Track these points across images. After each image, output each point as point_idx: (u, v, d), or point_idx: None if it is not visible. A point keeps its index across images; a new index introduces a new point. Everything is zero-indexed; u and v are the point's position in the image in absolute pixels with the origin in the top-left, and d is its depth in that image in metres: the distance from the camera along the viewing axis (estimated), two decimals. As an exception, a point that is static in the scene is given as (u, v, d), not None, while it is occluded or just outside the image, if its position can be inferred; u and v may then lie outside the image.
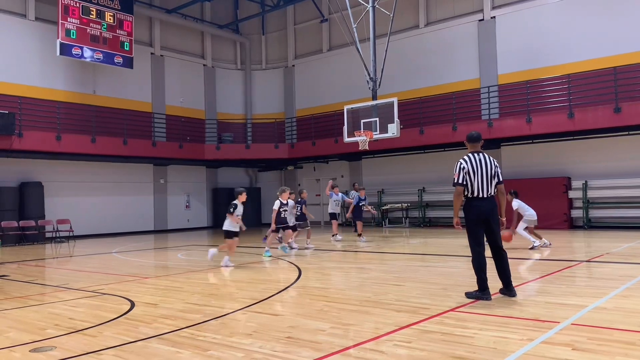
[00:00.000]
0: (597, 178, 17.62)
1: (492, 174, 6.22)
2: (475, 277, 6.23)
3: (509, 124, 17.91)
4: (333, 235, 15.55)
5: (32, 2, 19.73)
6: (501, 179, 6.32)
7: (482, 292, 6.17)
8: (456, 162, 6.33)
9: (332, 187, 16.04)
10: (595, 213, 17.70)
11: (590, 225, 17.56)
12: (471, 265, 6.30)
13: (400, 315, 5.49)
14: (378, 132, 16.52)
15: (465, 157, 6.30)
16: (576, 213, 17.91)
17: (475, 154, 6.31)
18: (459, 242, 13.94)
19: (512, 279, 6.34)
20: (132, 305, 6.51)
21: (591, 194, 17.57)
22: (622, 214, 17.17)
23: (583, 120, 16.39)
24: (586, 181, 17.60)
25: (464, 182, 6.19)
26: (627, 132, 16.87)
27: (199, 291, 7.49)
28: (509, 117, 18.20)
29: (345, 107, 17.75)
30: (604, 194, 17.46)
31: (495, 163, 6.33)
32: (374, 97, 17.32)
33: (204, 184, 25.67)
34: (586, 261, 9.57)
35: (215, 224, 25.53)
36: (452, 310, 5.68)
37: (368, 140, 16.59)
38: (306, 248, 13.22)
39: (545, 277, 7.75)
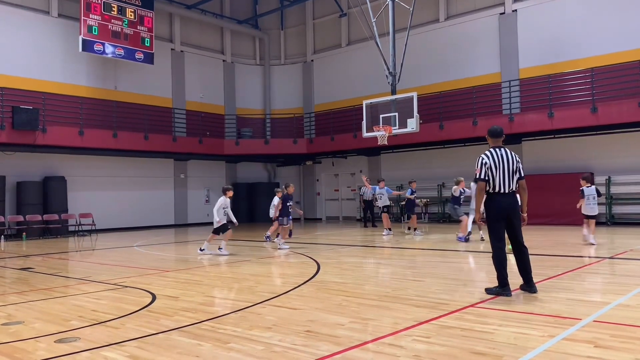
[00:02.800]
0: (621, 174, 17.31)
1: (513, 169, 6.17)
2: (496, 272, 6.19)
3: (530, 119, 17.67)
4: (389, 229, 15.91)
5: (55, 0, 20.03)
6: (523, 174, 6.26)
7: (502, 288, 6.12)
8: (478, 158, 6.30)
9: (379, 182, 16.38)
10: (618, 209, 17.39)
11: (614, 221, 17.28)
12: (491, 261, 6.25)
13: (419, 311, 5.48)
14: (397, 127, 16.44)
15: (487, 152, 6.27)
16: (599, 209, 17.58)
17: (497, 149, 6.27)
18: (479, 237, 13.83)
19: (532, 275, 6.29)
20: (154, 298, 6.61)
21: (614, 189, 17.28)
22: (646, 210, 16.86)
23: (607, 114, 16.10)
24: (609, 177, 17.30)
25: (486, 178, 6.16)
26: (652, 127, 16.54)
27: (218, 284, 7.57)
28: (530, 112, 17.96)
29: (364, 102, 17.69)
30: (628, 190, 17.15)
31: (517, 158, 6.27)
32: (393, 92, 17.23)
33: (224, 179, 25.81)
34: (609, 258, 9.43)
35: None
36: (471, 305, 5.65)
37: (387, 135, 16.53)
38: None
39: (567, 274, 7.65)
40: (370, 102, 17.52)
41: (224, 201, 11.55)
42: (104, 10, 19.80)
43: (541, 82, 18.16)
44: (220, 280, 8.01)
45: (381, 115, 16.89)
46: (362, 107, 17.74)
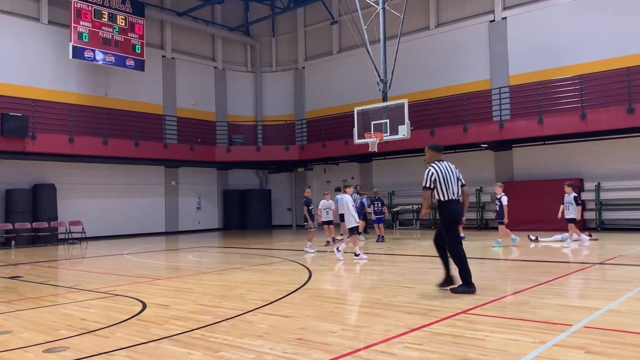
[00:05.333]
0: (610, 180, 17.45)
1: (456, 178, 7.02)
2: (459, 272, 6.74)
3: (520, 125, 17.79)
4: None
5: (45, 6, 19.95)
6: (464, 182, 7.13)
7: (468, 286, 6.67)
8: (426, 170, 7.08)
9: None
10: (608, 215, 17.51)
11: (603, 227, 17.39)
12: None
13: (411, 318, 5.47)
14: (388, 133, 16.50)
15: (434, 165, 7.08)
16: (589, 215, 17.73)
17: (441, 162, 7.12)
18: (470, 244, 13.87)
19: (472, 279, 6.82)
20: (144, 306, 6.56)
21: (604, 195, 17.40)
22: (635, 216, 16.97)
23: (596, 121, 16.25)
24: (599, 183, 17.43)
25: (432, 187, 6.96)
26: (640, 133, 16.71)
27: (210, 292, 7.52)
28: (520, 118, 18.08)
29: (356, 109, 17.75)
30: (617, 196, 17.28)
31: (457, 169, 7.16)
32: (384, 99, 17.30)
33: (215, 186, 25.77)
34: (599, 263, 9.48)
35: (226, 226, 25.60)
36: (463, 312, 5.65)
37: (378, 141, 16.57)
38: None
39: (558, 280, 7.69)
40: (362, 109, 17.58)
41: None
42: (94, 17, 19.76)
43: (531, 89, 18.30)
44: (211, 288, 7.97)
45: (372, 122, 16.94)
46: (353, 114, 17.79)
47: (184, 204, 24.29)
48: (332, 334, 4.89)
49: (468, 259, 6.88)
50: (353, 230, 11.27)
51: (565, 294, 6.61)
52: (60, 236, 18.90)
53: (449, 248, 6.89)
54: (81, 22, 19.35)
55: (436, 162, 7.09)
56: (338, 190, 15.83)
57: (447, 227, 6.93)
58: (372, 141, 16.64)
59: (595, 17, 17.98)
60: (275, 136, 25.26)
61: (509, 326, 4.99)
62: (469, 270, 6.68)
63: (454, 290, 6.70)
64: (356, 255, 11.04)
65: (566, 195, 12.61)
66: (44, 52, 19.79)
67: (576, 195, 12.74)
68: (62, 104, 19.33)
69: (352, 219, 11.20)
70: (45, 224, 18.30)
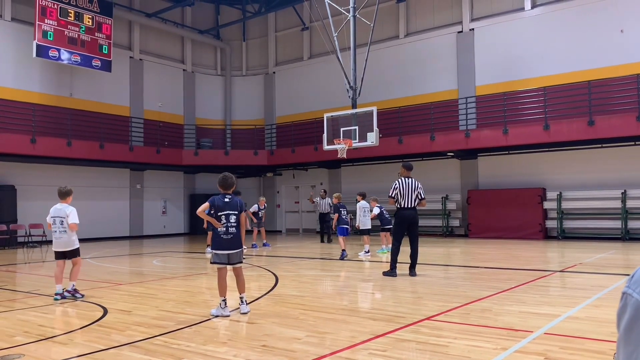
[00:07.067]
0: (571, 189, 17.92)
1: (415, 192, 9.03)
2: (391, 260, 9.11)
3: (486, 135, 18.13)
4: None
5: (9, 3, 19.39)
6: (423, 196, 9.19)
7: (392, 271, 9.02)
8: (393, 183, 9.21)
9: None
10: (569, 224, 17.97)
11: (564, 235, 17.83)
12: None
13: (376, 324, 5.49)
14: (357, 140, 16.57)
15: (399, 180, 9.14)
16: (551, 224, 18.17)
17: (406, 178, 9.12)
18: (436, 250, 14.04)
19: (417, 264, 9.20)
20: (105, 312, 6.40)
21: (565, 205, 17.86)
22: (595, 225, 17.47)
23: (558, 132, 16.68)
24: (561, 192, 17.88)
25: (394, 197, 9.12)
26: (600, 145, 17.20)
27: (173, 298, 7.40)
28: (486, 128, 18.43)
29: (325, 115, 17.77)
30: (578, 205, 17.75)
31: (420, 185, 9.13)
32: (354, 106, 17.38)
33: (182, 190, 25.41)
34: (560, 271, 9.71)
35: (192, 231, 25.27)
36: (427, 319, 5.70)
37: (347, 148, 16.63)
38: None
39: (520, 287, 7.83)
40: (331, 115, 17.62)
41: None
42: (60, 16, 19.29)
43: (496, 100, 18.68)
44: (175, 294, 7.84)
45: (342, 129, 16.99)
46: (322, 120, 17.82)
47: (149, 208, 23.86)
48: (297, 341, 4.87)
49: (433, 265, 6.95)
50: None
51: (527, 300, 6.74)
52: (20, 239, 18.32)
53: (392, 243, 9.28)
54: (46, 20, 18.86)
55: (402, 178, 9.10)
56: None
57: (395, 225, 9.28)
58: (341, 147, 16.68)
59: (559, 31, 18.49)
60: (244, 141, 25.10)
61: (472, 332, 5.06)
62: (396, 260, 9.03)
63: (385, 273, 9.11)
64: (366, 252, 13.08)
65: None
66: (5, 50, 19.21)
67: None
68: (24, 104, 18.77)
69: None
70: (3, 227, 17.71)
